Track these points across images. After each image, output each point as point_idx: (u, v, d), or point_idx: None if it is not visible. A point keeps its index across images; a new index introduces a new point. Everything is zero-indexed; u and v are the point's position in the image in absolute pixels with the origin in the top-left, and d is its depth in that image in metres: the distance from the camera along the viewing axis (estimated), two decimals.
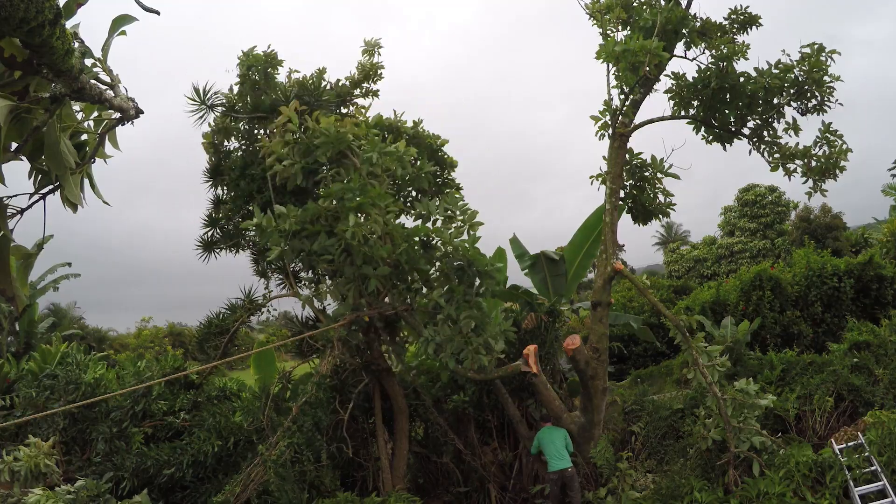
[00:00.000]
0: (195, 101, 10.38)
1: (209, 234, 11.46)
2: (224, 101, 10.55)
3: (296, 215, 8.15)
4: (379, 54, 11.60)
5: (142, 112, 4.15)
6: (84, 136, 4.28)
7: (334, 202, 8.16)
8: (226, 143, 11.16)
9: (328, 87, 10.98)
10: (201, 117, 10.46)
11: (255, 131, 10.76)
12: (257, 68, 10.29)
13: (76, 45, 3.66)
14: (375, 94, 11.55)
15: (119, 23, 4.03)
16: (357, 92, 11.40)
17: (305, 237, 8.42)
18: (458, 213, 8.47)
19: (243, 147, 10.98)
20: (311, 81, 10.74)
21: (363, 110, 11.41)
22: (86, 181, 4.24)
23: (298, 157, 8.37)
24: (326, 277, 10.28)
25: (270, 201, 9.44)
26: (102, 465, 9.58)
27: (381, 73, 11.62)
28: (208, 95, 10.37)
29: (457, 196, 9.04)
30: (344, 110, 11.34)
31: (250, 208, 10.23)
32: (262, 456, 8.68)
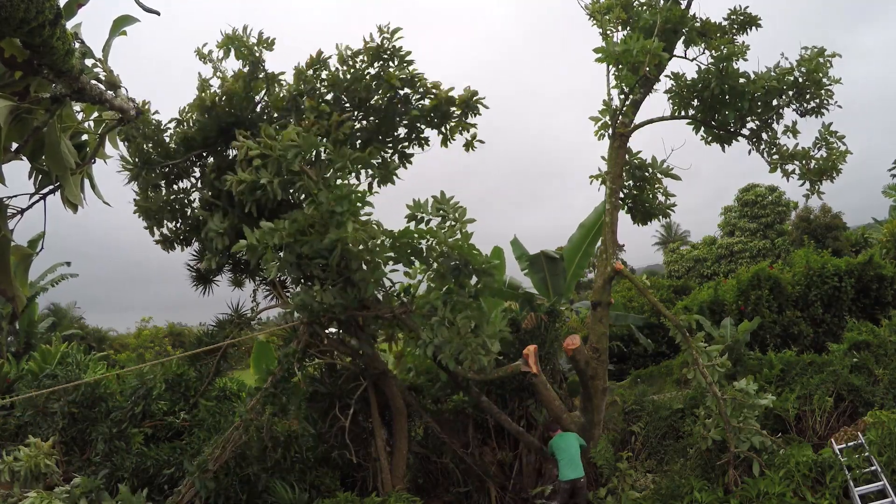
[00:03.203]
0: (129, 165, 9.53)
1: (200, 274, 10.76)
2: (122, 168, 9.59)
3: (284, 228, 7.92)
4: (253, 38, 9.31)
5: (142, 113, 4.16)
6: (84, 137, 4.29)
7: (324, 211, 8.06)
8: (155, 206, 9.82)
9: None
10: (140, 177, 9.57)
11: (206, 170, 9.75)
12: (140, 130, 9.30)
13: (77, 45, 3.67)
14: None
15: (120, 23, 4.04)
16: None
17: (298, 247, 8.32)
18: (449, 211, 8.40)
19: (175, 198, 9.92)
20: (186, 110, 9.55)
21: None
22: (86, 181, 4.25)
23: (271, 174, 8.13)
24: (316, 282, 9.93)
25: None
26: (102, 465, 9.59)
27: (269, 47, 9.31)
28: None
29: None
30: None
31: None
32: (242, 419, 8.66)
